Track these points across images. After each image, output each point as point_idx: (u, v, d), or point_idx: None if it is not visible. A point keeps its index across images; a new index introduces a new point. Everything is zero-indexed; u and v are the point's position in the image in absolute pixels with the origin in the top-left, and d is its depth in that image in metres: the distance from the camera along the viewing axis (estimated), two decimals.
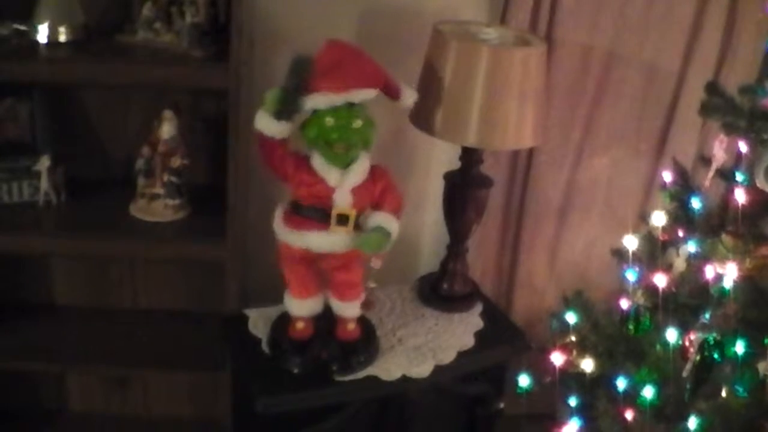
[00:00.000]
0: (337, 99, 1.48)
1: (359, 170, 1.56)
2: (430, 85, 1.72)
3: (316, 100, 1.49)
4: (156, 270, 2.14)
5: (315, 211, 1.56)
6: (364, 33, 2.00)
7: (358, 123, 1.51)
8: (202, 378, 2.17)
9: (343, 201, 1.55)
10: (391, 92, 1.59)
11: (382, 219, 1.57)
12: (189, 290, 2.17)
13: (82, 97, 1.95)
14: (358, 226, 1.58)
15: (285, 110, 1.48)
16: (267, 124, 1.50)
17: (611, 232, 2.12)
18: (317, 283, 1.69)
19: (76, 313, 2.12)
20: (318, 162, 1.55)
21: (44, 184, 1.85)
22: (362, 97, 1.51)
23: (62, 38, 1.73)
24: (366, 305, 1.67)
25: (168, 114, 1.83)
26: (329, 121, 1.49)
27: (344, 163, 1.54)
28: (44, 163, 1.84)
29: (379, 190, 1.60)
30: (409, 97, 1.61)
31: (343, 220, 1.55)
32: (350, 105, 1.50)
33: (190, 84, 1.78)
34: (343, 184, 1.54)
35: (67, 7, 1.74)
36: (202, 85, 1.77)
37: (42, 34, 1.71)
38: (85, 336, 2.03)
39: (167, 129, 1.83)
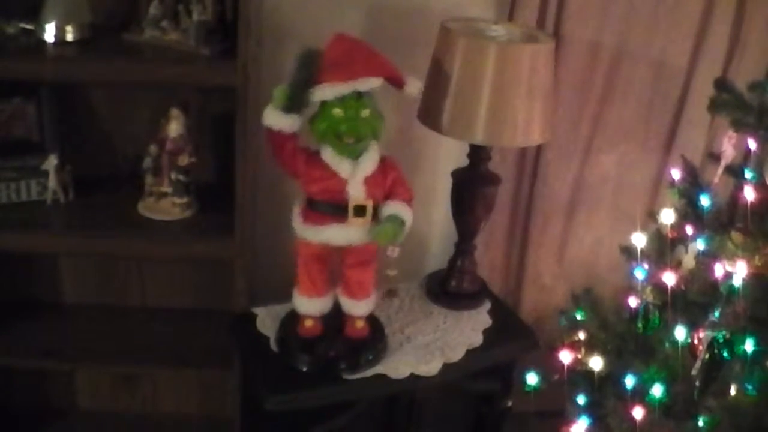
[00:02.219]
0: (344, 88, 1.50)
1: (370, 160, 1.57)
2: (437, 82, 1.72)
3: (324, 91, 1.50)
4: (164, 268, 2.14)
5: (330, 207, 1.57)
6: (372, 30, 1.99)
7: (366, 113, 1.52)
8: (210, 376, 2.17)
9: (357, 192, 1.56)
10: (396, 82, 1.60)
11: (396, 208, 1.59)
12: (197, 288, 2.17)
13: (90, 96, 1.95)
14: (375, 217, 1.59)
15: (294, 104, 1.49)
16: (276, 118, 1.51)
17: (620, 229, 2.11)
18: (328, 282, 1.70)
19: (84, 311, 2.12)
20: (329, 155, 1.56)
21: (52, 182, 1.85)
22: (369, 85, 1.52)
23: (69, 37, 1.72)
24: (390, 294, 1.68)
25: (175, 112, 1.82)
26: (338, 112, 1.50)
27: (355, 155, 1.55)
28: (52, 161, 1.84)
29: (390, 181, 1.61)
30: (414, 86, 1.61)
31: (360, 211, 1.56)
32: (358, 95, 1.51)
33: (198, 82, 1.78)
34: (355, 175, 1.55)
35: (74, 6, 1.73)
36: (210, 83, 1.76)
37: (49, 33, 1.71)
38: (94, 334, 2.03)
39: (175, 127, 1.83)
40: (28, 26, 1.73)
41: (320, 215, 1.58)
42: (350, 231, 1.58)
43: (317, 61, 1.47)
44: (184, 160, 1.84)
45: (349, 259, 1.65)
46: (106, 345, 1.99)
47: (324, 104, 1.52)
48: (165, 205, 1.87)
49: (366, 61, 1.55)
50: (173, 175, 1.85)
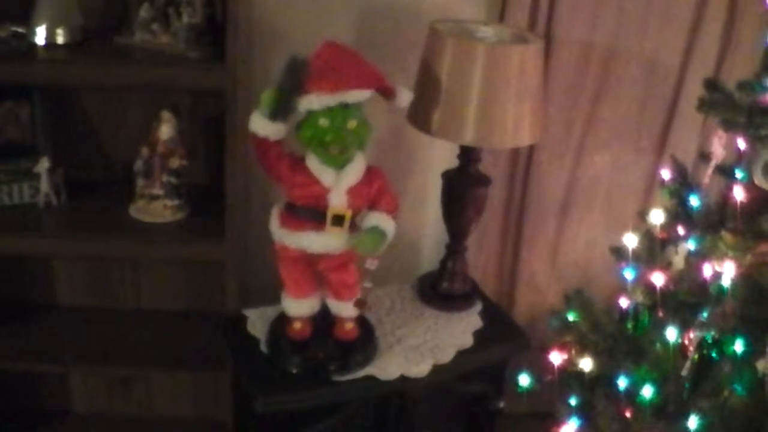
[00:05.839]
0: (331, 100, 1.48)
1: (354, 171, 1.56)
2: (426, 84, 1.72)
3: (310, 101, 1.49)
4: (157, 270, 2.14)
5: (310, 212, 1.56)
6: (362, 32, 2.00)
7: (352, 123, 1.51)
8: (203, 378, 2.18)
9: (338, 202, 1.55)
10: (386, 93, 1.58)
11: (378, 219, 1.58)
12: (191, 290, 2.17)
13: (81, 99, 1.96)
14: (354, 227, 1.58)
15: (280, 111, 1.49)
16: (262, 124, 1.51)
17: (613, 230, 2.10)
18: (314, 283, 1.69)
19: (78, 314, 2.12)
20: (313, 163, 1.55)
21: (44, 185, 1.86)
22: (357, 97, 1.51)
23: (60, 40, 1.73)
24: (360, 305, 1.67)
25: (166, 115, 1.83)
26: (324, 122, 1.49)
27: (339, 164, 1.55)
28: (44, 164, 1.84)
29: (375, 191, 1.60)
30: (405, 97, 1.60)
31: (338, 220, 1.55)
32: (345, 106, 1.50)
33: (187, 85, 1.78)
34: (338, 184, 1.54)
35: (65, 9, 1.74)
36: (200, 85, 1.77)
37: (40, 36, 1.72)
38: (88, 336, 2.04)
39: (166, 130, 1.83)
40: (19, 29, 1.74)
41: (298, 220, 1.58)
42: (327, 239, 1.57)
43: (304, 69, 1.46)
44: (175, 163, 1.85)
45: (327, 263, 1.64)
46: (99, 347, 2.00)
47: (311, 113, 1.51)
48: (156, 207, 1.88)
49: (355, 72, 1.53)
50: (165, 178, 1.85)
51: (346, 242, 1.57)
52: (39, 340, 2.00)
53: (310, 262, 1.63)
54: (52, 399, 2.28)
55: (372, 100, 1.57)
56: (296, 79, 1.46)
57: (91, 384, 2.27)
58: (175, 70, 1.70)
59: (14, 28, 1.74)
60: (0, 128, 1.87)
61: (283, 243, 1.61)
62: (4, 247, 1.81)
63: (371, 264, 1.57)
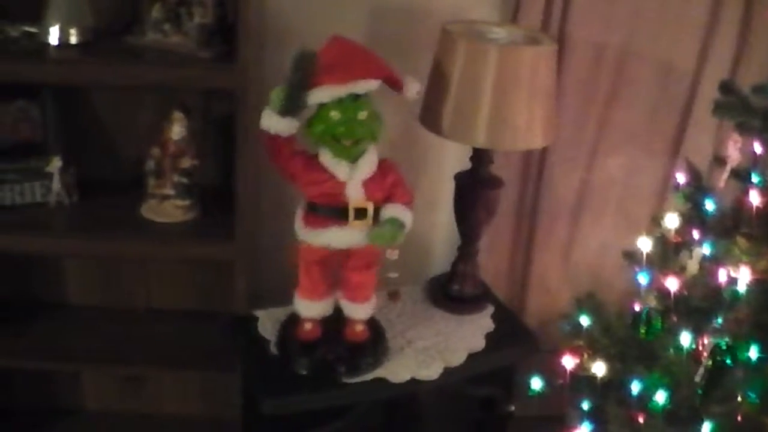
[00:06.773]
0: (340, 91, 1.49)
1: (368, 163, 1.56)
2: (438, 85, 1.71)
3: (320, 94, 1.49)
4: (168, 270, 2.15)
5: (331, 210, 1.56)
6: (374, 33, 1.99)
7: (363, 114, 1.51)
8: (213, 378, 2.18)
9: (356, 195, 1.55)
10: (394, 84, 1.59)
11: (395, 210, 1.57)
12: (202, 290, 2.18)
13: (93, 98, 1.96)
14: (376, 219, 1.58)
15: (290, 107, 1.48)
16: (273, 121, 1.51)
17: (625, 233, 2.08)
18: (329, 285, 1.69)
19: (89, 313, 2.13)
20: (327, 157, 1.55)
21: (56, 185, 1.87)
22: (365, 87, 1.52)
23: (72, 40, 1.74)
24: (394, 296, 1.67)
25: (177, 115, 1.83)
26: (335, 114, 1.50)
27: (353, 157, 1.55)
28: (56, 164, 1.85)
29: (389, 183, 1.60)
30: (412, 87, 1.60)
31: (361, 213, 1.55)
32: (355, 97, 1.50)
33: (198, 85, 1.78)
34: (353, 177, 1.55)
35: (77, 9, 1.75)
36: (210, 85, 1.77)
37: (52, 35, 1.73)
38: (99, 335, 2.05)
39: (177, 130, 1.84)
40: (32, 29, 1.75)
41: (321, 218, 1.58)
42: (351, 234, 1.57)
43: (313, 63, 1.46)
44: (186, 163, 1.85)
45: (351, 261, 1.64)
46: (110, 346, 2.01)
47: (321, 107, 1.51)
48: (167, 207, 1.88)
49: (362, 63, 1.54)
50: (176, 178, 1.86)
51: (367, 235, 1.56)
52: (51, 339, 2.01)
53: (331, 262, 1.63)
54: (64, 397, 2.29)
55: (384, 99, 1.57)
56: (305, 72, 1.46)
57: (103, 382, 2.28)
58: (186, 70, 1.70)
59: (27, 28, 1.75)
60: (12, 127, 1.87)
61: (307, 243, 1.61)
62: (16, 246, 1.81)
63: (391, 254, 1.57)
